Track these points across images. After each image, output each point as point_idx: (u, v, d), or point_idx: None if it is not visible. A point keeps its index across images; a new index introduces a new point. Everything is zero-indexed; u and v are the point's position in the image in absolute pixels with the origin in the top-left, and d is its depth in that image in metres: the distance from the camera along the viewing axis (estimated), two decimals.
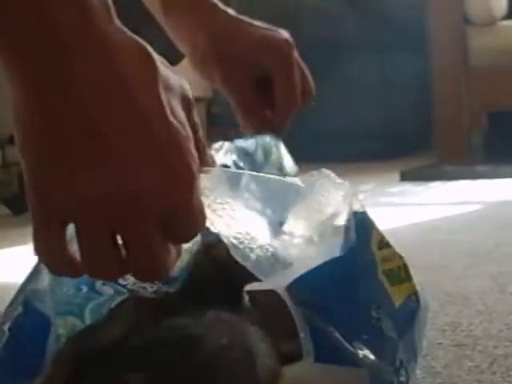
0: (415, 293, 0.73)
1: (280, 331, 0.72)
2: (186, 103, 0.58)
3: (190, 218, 0.56)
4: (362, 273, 0.67)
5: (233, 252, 0.64)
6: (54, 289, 0.69)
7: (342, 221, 0.67)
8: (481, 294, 1.12)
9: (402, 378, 0.66)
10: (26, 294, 0.71)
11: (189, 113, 0.58)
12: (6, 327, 0.70)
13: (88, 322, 0.71)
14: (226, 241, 0.64)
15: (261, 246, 0.65)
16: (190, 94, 0.59)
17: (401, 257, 0.72)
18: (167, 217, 0.55)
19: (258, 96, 0.93)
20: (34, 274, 0.71)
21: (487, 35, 3.00)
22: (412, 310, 0.72)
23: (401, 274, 0.71)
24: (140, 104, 0.53)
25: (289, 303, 0.65)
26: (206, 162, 0.61)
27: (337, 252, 0.65)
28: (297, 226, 0.67)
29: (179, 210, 0.55)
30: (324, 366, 0.63)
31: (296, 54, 0.92)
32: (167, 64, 0.57)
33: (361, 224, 0.68)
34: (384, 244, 0.70)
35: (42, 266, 0.68)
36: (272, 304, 0.70)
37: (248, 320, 0.73)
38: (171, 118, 0.54)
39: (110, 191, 0.53)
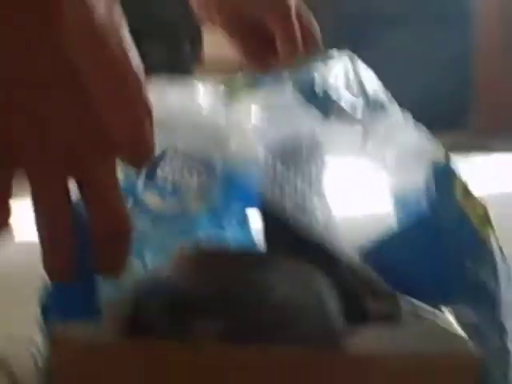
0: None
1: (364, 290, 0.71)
2: None
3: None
4: (450, 228, 0.62)
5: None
6: None
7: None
8: None
9: (505, 340, 0.60)
10: None
11: None
12: None
13: None
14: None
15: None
16: None
17: (484, 206, 0.65)
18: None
19: (259, 43, 0.92)
20: None
21: None
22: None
23: (489, 222, 0.65)
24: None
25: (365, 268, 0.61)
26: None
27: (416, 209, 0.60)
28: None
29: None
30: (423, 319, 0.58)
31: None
32: None
33: (441, 174, 0.63)
34: (468, 192, 0.64)
35: None
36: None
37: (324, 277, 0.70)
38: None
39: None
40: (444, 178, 0.62)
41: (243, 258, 0.74)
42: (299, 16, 0.92)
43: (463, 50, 3.07)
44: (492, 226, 0.64)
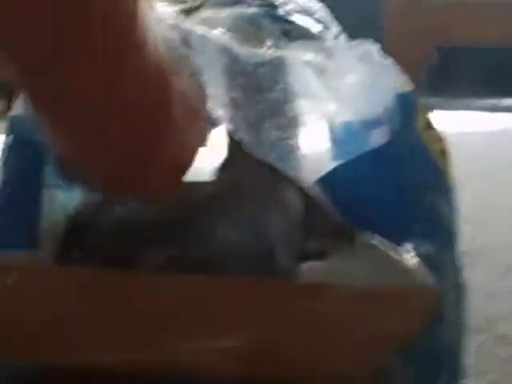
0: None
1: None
2: None
3: None
4: (409, 158, 0.60)
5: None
6: None
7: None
8: None
9: (460, 272, 0.60)
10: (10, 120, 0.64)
11: None
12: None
13: None
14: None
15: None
16: None
17: (444, 140, 0.64)
18: None
19: None
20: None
21: None
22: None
23: (446, 157, 0.64)
24: None
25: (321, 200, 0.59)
26: None
27: (377, 138, 0.58)
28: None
29: None
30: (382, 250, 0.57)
31: None
32: None
33: (403, 105, 0.61)
34: (430, 125, 0.63)
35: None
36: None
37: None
38: None
39: None
40: (406, 109, 0.61)
41: (191, 188, 0.73)
42: None
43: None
44: (449, 160, 0.63)
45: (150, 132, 0.54)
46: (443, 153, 0.62)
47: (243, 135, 0.59)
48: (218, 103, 0.57)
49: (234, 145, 0.72)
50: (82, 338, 0.58)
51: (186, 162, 0.56)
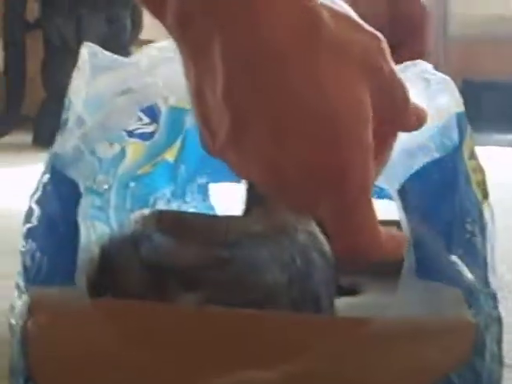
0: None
1: None
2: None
3: None
4: (459, 180, 0.60)
5: None
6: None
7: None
8: None
9: (498, 307, 0.59)
10: (50, 159, 0.64)
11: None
12: (33, 202, 0.63)
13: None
14: None
15: None
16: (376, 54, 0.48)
17: (483, 171, 0.64)
18: None
19: None
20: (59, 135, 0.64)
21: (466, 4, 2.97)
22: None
23: (485, 189, 0.64)
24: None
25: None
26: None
27: (433, 151, 0.58)
28: None
29: None
30: (418, 280, 0.57)
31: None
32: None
33: (461, 125, 0.61)
34: (474, 154, 0.63)
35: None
36: None
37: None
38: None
39: None
40: (462, 129, 0.61)
41: (229, 225, 0.73)
42: None
43: None
44: (487, 195, 0.63)
45: None
46: (480, 185, 0.62)
47: None
48: None
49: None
50: (122, 375, 0.58)
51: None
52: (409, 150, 0.58)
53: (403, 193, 0.58)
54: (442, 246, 0.57)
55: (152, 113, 0.80)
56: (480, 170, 0.63)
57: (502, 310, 0.60)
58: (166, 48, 0.65)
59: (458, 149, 0.60)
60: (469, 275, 0.57)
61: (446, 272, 0.57)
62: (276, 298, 0.62)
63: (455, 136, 0.59)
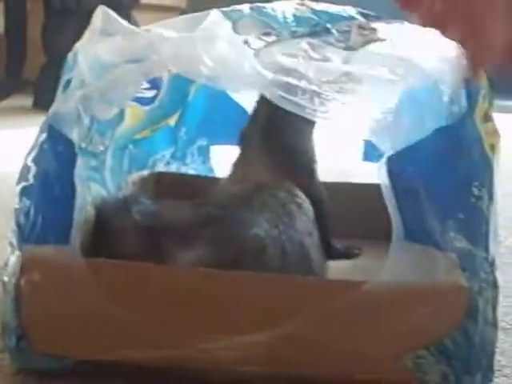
0: None
1: None
2: None
3: None
4: (467, 146, 0.60)
5: None
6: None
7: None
8: None
9: (494, 272, 0.59)
10: (48, 118, 0.63)
11: None
12: (29, 160, 0.63)
13: None
14: None
15: None
16: None
17: (498, 134, 0.63)
18: None
19: None
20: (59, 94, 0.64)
21: None
22: None
23: (496, 153, 0.63)
24: None
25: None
26: None
27: (442, 119, 0.58)
28: None
29: None
30: (411, 245, 0.56)
31: None
32: None
33: (471, 91, 0.60)
34: (488, 117, 0.62)
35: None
36: None
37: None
38: None
39: None
40: (471, 95, 0.60)
41: (218, 187, 0.73)
42: None
43: None
44: (498, 157, 0.62)
45: None
46: (493, 148, 0.61)
47: None
48: None
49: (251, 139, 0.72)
50: (113, 335, 0.58)
51: None
52: (418, 116, 0.58)
53: (397, 158, 0.58)
54: (434, 211, 0.57)
55: (153, 79, 0.80)
56: (494, 132, 0.62)
57: (502, 275, 0.60)
58: (173, 26, 0.65)
59: (466, 116, 0.59)
60: (462, 241, 0.57)
61: (433, 237, 0.56)
62: (268, 250, 0.63)
63: (464, 103, 0.59)
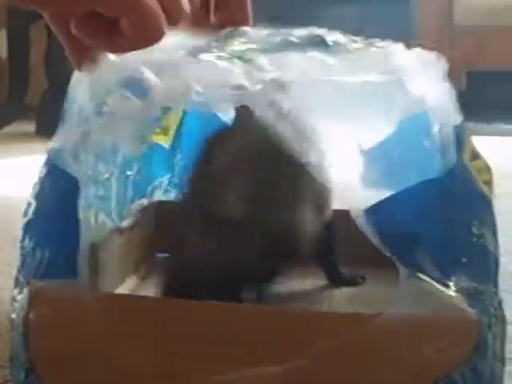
0: None
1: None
2: None
3: None
4: (460, 191, 0.59)
5: None
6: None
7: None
8: None
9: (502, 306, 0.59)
10: (48, 153, 0.64)
11: None
12: (31, 197, 0.64)
13: None
14: None
15: None
16: None
17: (490, 170, 0.63)
18: None
19: None
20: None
21: None
22: None
23: (491, 188, 0.63)
24: None
25: (364, 228, 0.58)
26: None
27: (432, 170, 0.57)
28: None
29: None
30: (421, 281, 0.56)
31: None
32: None
33: (459, 136, 0.60)
34: (476, 154, 0.62)
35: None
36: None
37: None
38: None
39: None
40: (459, 140, 0.60)
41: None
42: None
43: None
44: (493, 191, 0.62)
45: None
46: (488, 183, 0.61)
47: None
48: None
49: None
50: (122, 369, 0.58)
51: None
52: (402, 167, 0.58)
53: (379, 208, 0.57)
54: (431, 259, 0.56)
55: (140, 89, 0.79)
56: (486, 168, 0.62)
57: (505, 305, 0.60)
58: (171, 48, 0.65)
59: (456, 164, 0.59)
60: (467, 282, 0.56)
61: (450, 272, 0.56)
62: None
63: (453, 153, 0.58)
